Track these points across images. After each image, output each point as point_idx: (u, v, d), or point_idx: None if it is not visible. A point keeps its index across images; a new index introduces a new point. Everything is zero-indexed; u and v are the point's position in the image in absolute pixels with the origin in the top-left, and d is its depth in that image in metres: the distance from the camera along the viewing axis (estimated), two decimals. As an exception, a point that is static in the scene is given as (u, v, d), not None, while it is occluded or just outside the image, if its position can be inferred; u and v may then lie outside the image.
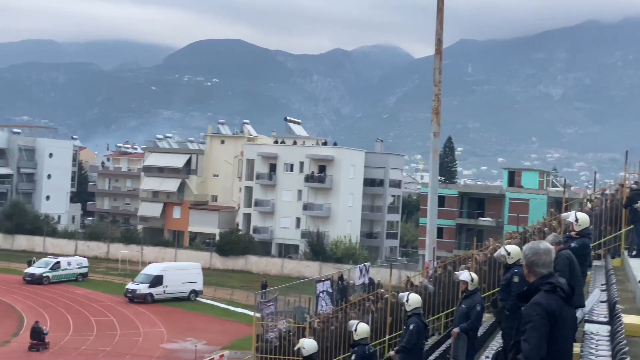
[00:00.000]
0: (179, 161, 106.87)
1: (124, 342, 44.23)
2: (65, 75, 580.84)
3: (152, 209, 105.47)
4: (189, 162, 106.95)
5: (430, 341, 18.18)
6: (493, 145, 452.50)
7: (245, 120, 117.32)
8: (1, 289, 60.81)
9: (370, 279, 27.61)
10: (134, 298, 58.18)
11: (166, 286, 59.68)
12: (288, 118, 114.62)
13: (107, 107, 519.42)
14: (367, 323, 16.48)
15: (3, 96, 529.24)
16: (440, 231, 66.14)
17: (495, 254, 12.48)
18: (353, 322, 14.02)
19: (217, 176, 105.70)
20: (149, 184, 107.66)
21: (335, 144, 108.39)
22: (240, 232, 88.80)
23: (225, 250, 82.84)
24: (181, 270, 62.67)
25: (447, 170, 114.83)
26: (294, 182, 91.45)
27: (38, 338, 40.75)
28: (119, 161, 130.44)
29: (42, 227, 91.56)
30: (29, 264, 68.96)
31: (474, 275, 13.14)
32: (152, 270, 61.13)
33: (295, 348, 13.53)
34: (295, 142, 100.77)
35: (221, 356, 37.60)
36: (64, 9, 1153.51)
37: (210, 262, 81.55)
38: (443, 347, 16.19)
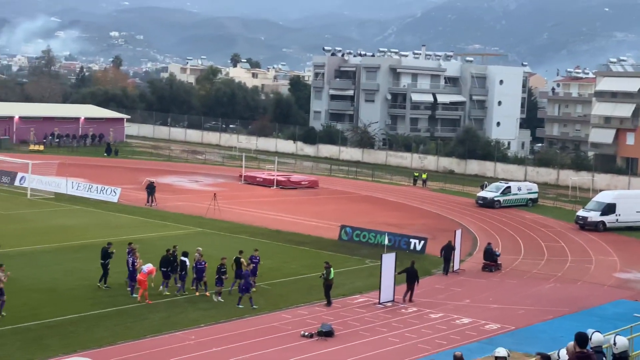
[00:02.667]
0: (633, 85, 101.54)
1: (575, 268, 43.80)
2: (516, 1, 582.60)
3: (603, 135, 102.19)
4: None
5: None
6: None
7: None
8: (456, 211, 63.97)
9: None
10: (585, 225, 57.18)
11: (619, 215, 57.57)
12: None
13: (557, 32, 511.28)
14: None
15: (456, 26, 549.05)
16: None
17: None
18: None
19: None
20: (600, 109, 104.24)
21: None
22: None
23: (684, 179, 77.39)
24: (636, 199, 59.94)
25: None
26: None
27: (490, 259, 42.08)
28: (569, 86, 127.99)
29: (493, 152, 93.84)
30: (482, 188, 71.47)
31: None
32: (604, 197, 59.37)
33: None
34: None
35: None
36: None
37: (667, 192, 76.85)
38: None
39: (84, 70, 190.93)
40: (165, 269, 32.99)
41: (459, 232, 42.70)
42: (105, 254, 33.39)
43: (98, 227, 47.09)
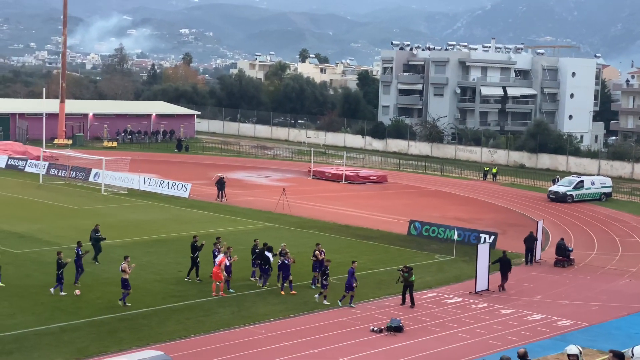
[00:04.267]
0: None
1: (650, 264, 42.85)
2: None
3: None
4: None
5: None
6: None
7: None
8: (527, 205, 63.11)
9: None
10: (661, 220, 55.96)
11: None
12: None
13: (632, 22, 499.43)
14: None
15: (526, 18, 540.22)
16: None
17: None
18: None
19: None
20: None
21: None
22: None
23: None
24: None
25: None
26: None
27: (563, 254, 41.41)
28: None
29: (565, 146, 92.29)
30: (554, 182, 70.41)
31: None
32: (680, 191, 58.00)
33: None
34: None
35: None
36: None
37: None
38: None
39: (155, 67, 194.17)
40: (254, 261, 33.70)
41: (540, 223, 43.43)
42: (193, 248, 34.02)
43: (170, 222, 47.86)
